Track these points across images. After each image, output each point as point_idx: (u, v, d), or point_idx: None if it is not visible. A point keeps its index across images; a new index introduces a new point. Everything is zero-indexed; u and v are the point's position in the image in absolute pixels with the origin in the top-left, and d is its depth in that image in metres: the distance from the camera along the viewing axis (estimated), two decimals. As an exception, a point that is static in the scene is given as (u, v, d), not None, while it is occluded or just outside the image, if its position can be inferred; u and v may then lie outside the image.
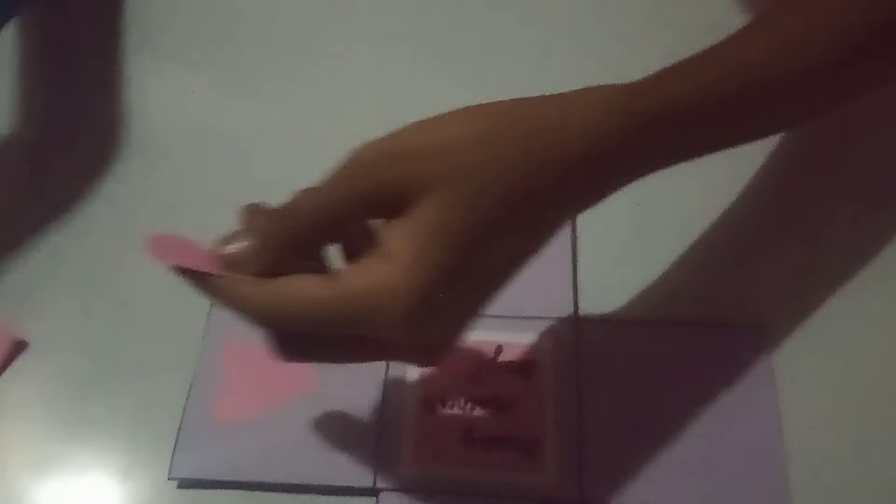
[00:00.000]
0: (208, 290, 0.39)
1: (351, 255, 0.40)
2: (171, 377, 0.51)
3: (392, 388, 0.50)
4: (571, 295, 0.52)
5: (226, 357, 0.52)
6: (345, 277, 0.38)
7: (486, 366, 0.50)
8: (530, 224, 0.40)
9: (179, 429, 0.49)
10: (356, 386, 0.50)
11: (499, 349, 0.50)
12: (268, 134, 0.61)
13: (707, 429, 0.48)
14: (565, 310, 0.52)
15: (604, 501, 0.46)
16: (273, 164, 0.59)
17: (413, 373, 0.50)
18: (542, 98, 0.40)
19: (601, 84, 0.40)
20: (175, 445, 0.49)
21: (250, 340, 0.51)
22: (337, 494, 0.47)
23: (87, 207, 0.59)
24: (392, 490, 0.47)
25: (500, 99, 0.40)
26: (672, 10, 0.64)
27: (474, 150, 0.38)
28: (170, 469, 0.48)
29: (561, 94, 0.40)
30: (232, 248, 0.39)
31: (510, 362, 0.50)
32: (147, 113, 0.63)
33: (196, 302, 0.52)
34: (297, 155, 0.60)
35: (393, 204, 0.38)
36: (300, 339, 0.40)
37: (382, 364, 0.50)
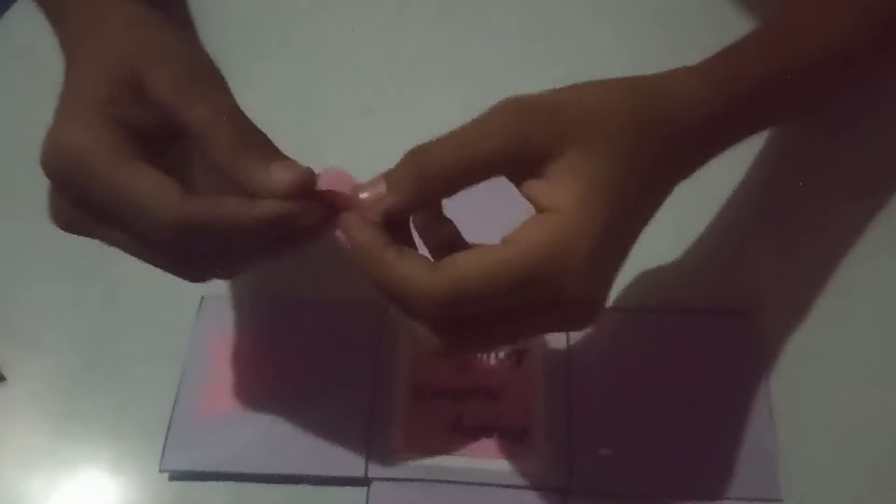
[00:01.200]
0: (381, 281, 0.38)
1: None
2: (160, 370, 0.51)
3: (382, 378, 0.50)
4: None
5: (215, 349, 0.51)
6: (519, 239, 0.37)
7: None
8: (660, 184, 0.41)
9: (170, 421, 0.49)
10: (346, 376, 0.50)
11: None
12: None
13: (697, 416, 0.48)
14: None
15: (593, 489, 0.47)
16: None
17: (403, 362, 0.50)
18: (649, 77, 0.42)
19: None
20: (166, 438, 0.49)
21: (238, 332, 0.52)
22: (329, 484, 0.48)
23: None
24: (383, 479, 0.47)
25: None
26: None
27: (613, 111, 0.39)
28: (161, 462, 0.48)
29: (669, 76, 0.42)
30: (366, 193, 0.38)
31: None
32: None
33: (185, 295, 0.53)
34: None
35: (531, 158, 0.38)
36: (465, 326, 0.38)
37: (372, 353, 0.50)
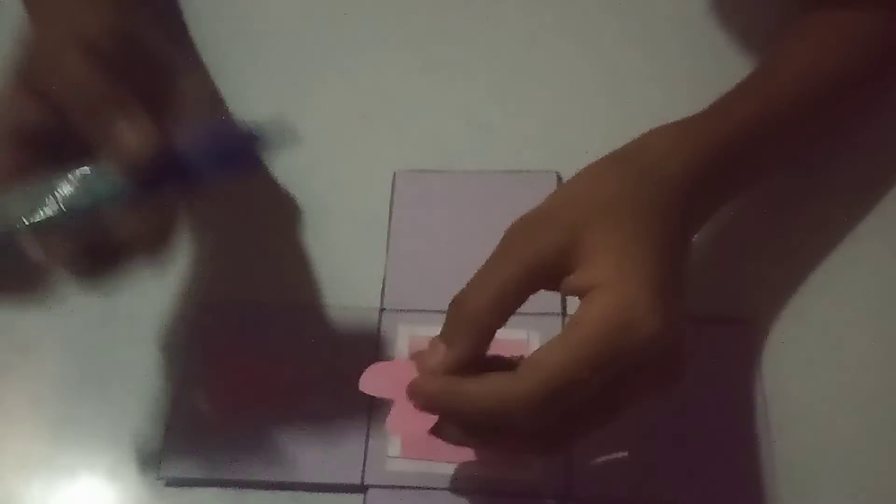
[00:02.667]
0: (474, 411, 0.40)
1: None
2: (157, 376, 0.51)
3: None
4: (559, 291, 0.53)
5: (212, 356, 0.52)
6: (581, 319, 0.38)
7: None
8: (677, 233, 0.42)
9: (167, 428, 0.49)
10: (343, 384, 0.50)
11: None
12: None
13: (693, 423, 0.48)
14: (552, 306, 0.52)
15: (591, 495, 0.47)
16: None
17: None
18: (632, 148, 0.44)
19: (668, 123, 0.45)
20: (163, 444, 0.49)
21: (236, 340, 0.52)
22: (325, 491, 0.48)
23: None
24: (380, 486, 0.47)
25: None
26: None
27: (605, 190, 0.42)
28: (158, 469, 0.48)
29: (646, 137, 0.44)
30: (431, 360, 0.41)
31: (497, 358, 0.50)
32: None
33: (185, 301, 0.53)
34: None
35: (555, 263, 0.40)
36: (563, 419, 0.40)
37: (369, 361, 0.50)
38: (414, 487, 0.47)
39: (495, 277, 0.40)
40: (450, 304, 0.41)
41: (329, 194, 0.58)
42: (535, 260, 0.40)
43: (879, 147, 0.57)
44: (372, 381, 0.43)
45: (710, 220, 0.53)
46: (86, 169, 0.38)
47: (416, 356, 0.42)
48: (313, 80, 0.63)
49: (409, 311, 0.52)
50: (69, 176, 0.38)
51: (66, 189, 0.38)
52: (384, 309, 0.53)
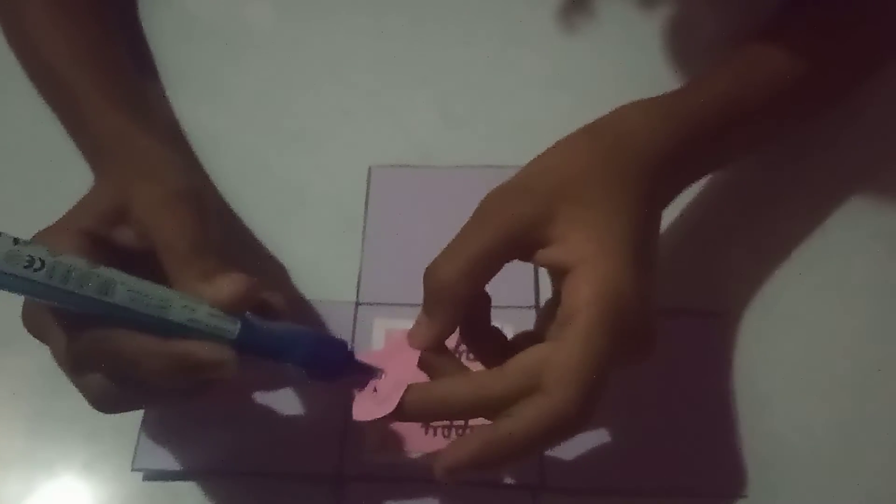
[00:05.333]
0: (522, 451, 0.39)
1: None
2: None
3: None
4: (533, 284, 0.53)
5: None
6: (575, 307, 0.38)
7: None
8: (649, 209, 0.43)
9: (142, 420, 0.49)
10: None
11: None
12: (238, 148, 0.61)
13: (665, 414, 0.49)
14: (526, 299, 0.52)
15: (564, 486, 0.47)
16: (230, 167, 0.60)
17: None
18: (608, 120, 0.45)
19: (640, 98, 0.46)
20: (138, 437, 0.49)
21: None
22: (302, 482, 0.48)
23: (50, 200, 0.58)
24: (356, 478, 0.48)
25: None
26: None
27: (581, 163, 0.42)
28: (133, 461, 0.48)
29: (619, 110, 0.45)
30: (416, 333, 0.41)
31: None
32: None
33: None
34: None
35: (529, 234, 0.40)
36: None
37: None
38: (390, 479, 0.47)
39: (467, 247, 0.40)
40: (424, 274, 0.41)
41: (304, 188, 0.58)
42: (509, 230, 0.40)
43: (854, 140, 0.58)
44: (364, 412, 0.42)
45: (687, 215, 0.55)
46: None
47: (410, 333, 0.42)
48: (290, 75, 0.63)
49: (384, 304, 0.53)
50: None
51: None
52: (360, 303, 0.53)
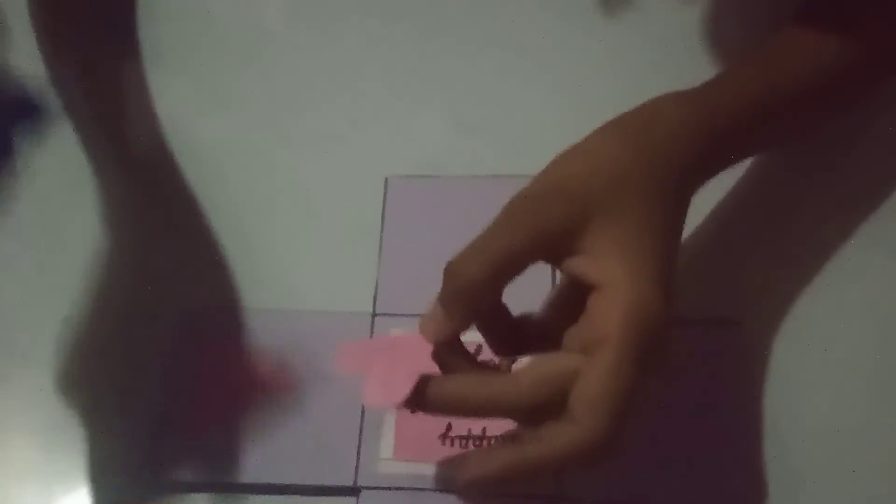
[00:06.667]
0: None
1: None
2: (147, 380, 0.51)
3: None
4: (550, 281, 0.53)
5: (203, 359, 0.52)
6: (606, 334, 0.37)
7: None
8: (676, 213, 0.42)
9: (159, 432, 0.49)
10: (336, 385, 0.50)
11: (478, 348, 0.50)
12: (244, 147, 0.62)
13: (686, 425, 0.48)
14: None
15: (581, 497, 0.47)
16: (245, 178, 0.60)
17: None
18: (638, 117, 0.43)
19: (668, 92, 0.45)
20: (155, 449, 0.49)
21: (227, 343, 0.52)
22: (318, 494, 0.48)
23: (60, 214, 0.59)
24: (373, 488, 0.47)
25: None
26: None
27: (614, 168, 0.41)
28: (150, 472, 0.48)
29: (655, 107, 0.44)
30: (427, 323, 0.41)
31: (488, 361, 0.50)
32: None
33: (171, 308, 0.53)
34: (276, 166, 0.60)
35: (556, 243, 0.40)
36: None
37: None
38: (407, 489, 0.47)
39: (494, 246, 0.39)
40: (445, 269, 0.40)
41: (321, 200, 0.58)
42: (539, 234, 0.39)
43: (876, 149, 0.57)
44: (346, 362, 0.43)
45: (705, 223, 0.54)
46: None
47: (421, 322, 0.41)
48: (303, 86, 0.64)
49: (401, 315, 0.52)
50: None
51: None
52: (377, 314, 0.53)
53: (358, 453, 0.48)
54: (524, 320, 0.44)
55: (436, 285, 0.42)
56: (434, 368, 0.41)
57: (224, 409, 0.50)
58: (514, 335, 0.44)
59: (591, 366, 0.37)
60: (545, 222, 0.40)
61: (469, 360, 0.42)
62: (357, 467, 0.48)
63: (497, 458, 0.39)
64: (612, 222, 0.39)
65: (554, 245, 0.40)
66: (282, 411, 0.50)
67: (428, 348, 0.41)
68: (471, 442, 0.48)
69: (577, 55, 0.63)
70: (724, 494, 0.47)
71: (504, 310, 0.44)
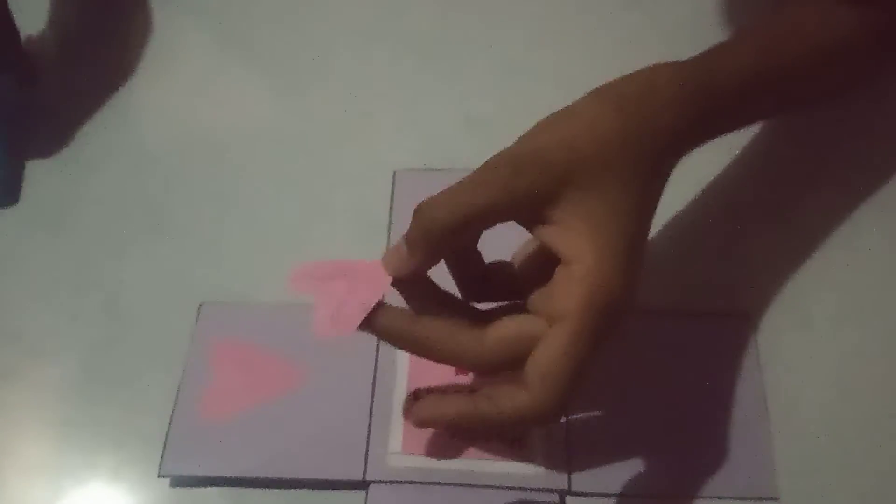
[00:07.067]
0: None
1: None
2: (159, 376, 0.51)
3: (380, 381, 0.50)
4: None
5: (214, 354, 0.52)
6: (566, 309, 0.39)
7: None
8: (655, 188, 0.43)
9: (169, 426, 0.49)
10: (345, 380, 0.50)
11: None
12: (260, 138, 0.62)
13: (693, 417, 0.48)
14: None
15: (591, 490, 0.47)
16: (254, 172, 0.60)
17: (401, 365, 0.51)
18: (632, 85, 0.43)
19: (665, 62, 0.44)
20: (165, 443, 0.49)
21: (237, 338, 0.52)
22: (327, 488, 0.48)
23: (73, 208, 0.59)
24: (381, 482, 0.47)
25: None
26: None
27: (602, 140, 0.41)
28: (160, 467, 0.48)
29: (651, 77, 0.43)
30: (391, 258, 0.42)
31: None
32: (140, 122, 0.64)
33: (183, 302, 0.53)
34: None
35: (528, 209, 0.40)
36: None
37: (370, 357, 0.51)
38: (416, 482, 0.47)
39: (467, 198, 0.40)
40: (415, 208, 0.40)
41: (329, 193, 0.58)
42: (512, 196, 0.40)
43: (880, 139, 0.57)
44: (299, 283, 0.43)
45: (710, 215, 0.55)
46: None
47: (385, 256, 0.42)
48: (312, 79, 0.64)
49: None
50: None
51: None
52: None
53: (367, 447, 0.48)
54: (496, 270, 0.45)
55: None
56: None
57: (234, 403, 0.50)
58: (484, 283, 0.44)
59: (548, 339, 0.39)
60: (519, 187, 0.40)
61: (438, 301, 0.43)
62: (366, 461, 0.48)
63: (450, 406, 0.42)
64: (586, 197, 0.40)
65: (526, 210, 0.40)
66: (291, 405, 0.50)
67: (386, 281, 0.42)
68: (480, 436, 0.48)
69: (586, 48, 0.63)
70: (732, 486, 0.47)
71: (477, 257, 0.45)
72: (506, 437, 0.48)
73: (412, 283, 0.42)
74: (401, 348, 0.43)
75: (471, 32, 0.65)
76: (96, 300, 0.55)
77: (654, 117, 0.42)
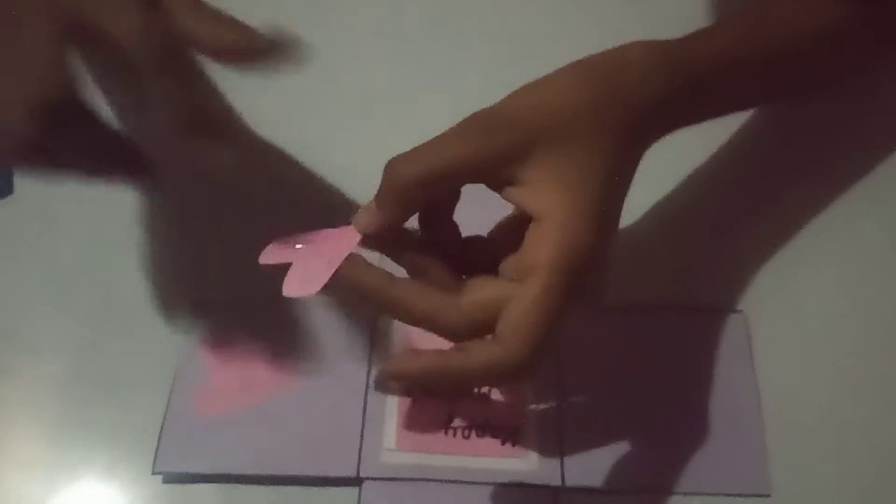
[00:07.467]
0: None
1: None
2: (153, 373, 0.51)
3: (374, 378, 0.50)
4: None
5: (208, 351, 0.52)
6: (536, 264, 0.39)
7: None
8: (628, 158, 0.43)
9: (163, 423, 0.49)
10: (339, 377, 0.50)
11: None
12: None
13: (687, 413, 0.49)
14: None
15: (585, 486, 0.47)
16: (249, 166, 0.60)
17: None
18: (608, 56, 0.44)
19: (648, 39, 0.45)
20: (159, 440, 0.49)
21: (231, 335, 0.52)
22: (321, 485, 0.48)
23: (66, 205, 0.59)
24: (375, 479, 0.47)
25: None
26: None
27: (572, 104, 0.41)
28: (154, 464, 0.48)
29: (628, 53, 0.44)
30: (361, 216, 0.42)
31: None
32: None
33: (177, 298, 0.53)
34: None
35: (498, 167, 0.41)
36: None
37: (364, 354, 0.51)
38: (409, 479, 0.47)
39: (434, 156, 0.41)
40: (385, 165, 0.41)
41: (326, 191, 0.58)
42: (479, 156, 0.40)
43: (872, 131, 0.57)
44: (271, 256, 0.44)
45: (704, 212, 0.55)
46: None
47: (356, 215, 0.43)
48: (308, 77, 0.63)
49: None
50: None
51: None
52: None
53: (360, 444, 0.48)
54: (471, 242, 0.45)
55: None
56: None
57: (228, 400, 0.50)
58: (460, 255, 0.45)
59: (519, 292, 0.39)
60: (488, 145, 0.40)
61: (422, 252, 0.43)
62: (360, 458, 0.48)
63: (423, 360, 0.42)
64: (555, 156, 0.40)
65: (492, 171, 0.41)
66: (285, 403, 0.50)
67: (355, 239, 0.42)
68: (473, 432, 0.48)
69: (582, 42, 0.63)
70: (724, 482, 0.47)
71: (454, 229, 0.45)
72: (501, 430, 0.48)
73: (392, 242, 0.43)
74: (374, 310, 0.43)
75: (468, 26, 0.65)
76: (92, 297, 0.55)
77: (625, 89, 0.42)
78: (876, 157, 0.57)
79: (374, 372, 0.50)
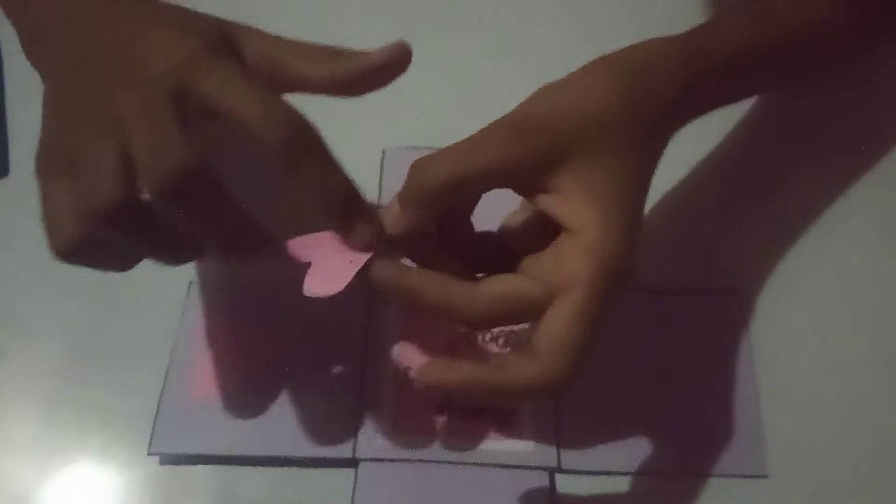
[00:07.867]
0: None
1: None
2: (149, 356, 0.51)
3: (370, 359, 0.50)
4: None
5: (203, 333, 0.52)
6: (574, 275, 0.38)
7: (462, 336, 0.50)
8: (652, 157, 0.43)
9: (159, 405, 0.49)
10: (335, 358, 0.50)
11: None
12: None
13: (683, 395, 0.49)
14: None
15: (581, 467, 0.47)
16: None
17: (391, 343, 0.50)
18: (631, 55, 0.43)
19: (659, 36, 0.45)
20: (155, 421, 0.49)
21: (227, 316, 0.52)
22: (317, 466, 0.48)
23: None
24: (371, 460, 0.47)
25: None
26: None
27: (603, 109, 0.41)
28: (150, 445, 0.48)
29: (649, 53, 0.43)
30: (385, 215, 0.41)
31: (486, 332, 0.51)
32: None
33: (172, 279, 0.53)
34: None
35: (529, 175, 0.40)
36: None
37: (360, 335, 0.51)
38: (405, 461, 0.47)
39: (465, 160, 0.40)
40: (411, 165, 0.40)
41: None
42: (513, 162, 0.40)
43: (872, 117, 0.57)
44: (295, 253, 0.43)
45: (702, 193, 0.55)
46: None
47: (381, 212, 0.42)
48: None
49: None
50: None
51: None
52: (375, 284, 0.53)
53: (357, 426, 0.48)
54: (486, 238, 0.45)
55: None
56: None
57: (224, 381, 0.50)
58: (473, 251, 0.44)
59: (557, 308, 0.38)
60: (522, 152, 0.39)
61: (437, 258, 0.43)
62: (356, 439, 0.48)
63: (460, 372, 0.40)
64: (589, 165, 0.40)
65: (525, 177, 0.40)
66: (281, 384, 0.50)
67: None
68: (469, 413, 0.48)
69: (579, 28, 0.63)
70: (721, 463, 0.47)
71: (470, 229, 0.44)
72: (496, 412, 0.48)
73: (412, 244, 0.42)
74: (392, 298, 0.42)
75: (463, 10, 0.64)
76: (87, 278, 0.55)
77: (653, 87, 0.42)
78: (876, 141, 0.57)
79: (369, 352, 0.50)
